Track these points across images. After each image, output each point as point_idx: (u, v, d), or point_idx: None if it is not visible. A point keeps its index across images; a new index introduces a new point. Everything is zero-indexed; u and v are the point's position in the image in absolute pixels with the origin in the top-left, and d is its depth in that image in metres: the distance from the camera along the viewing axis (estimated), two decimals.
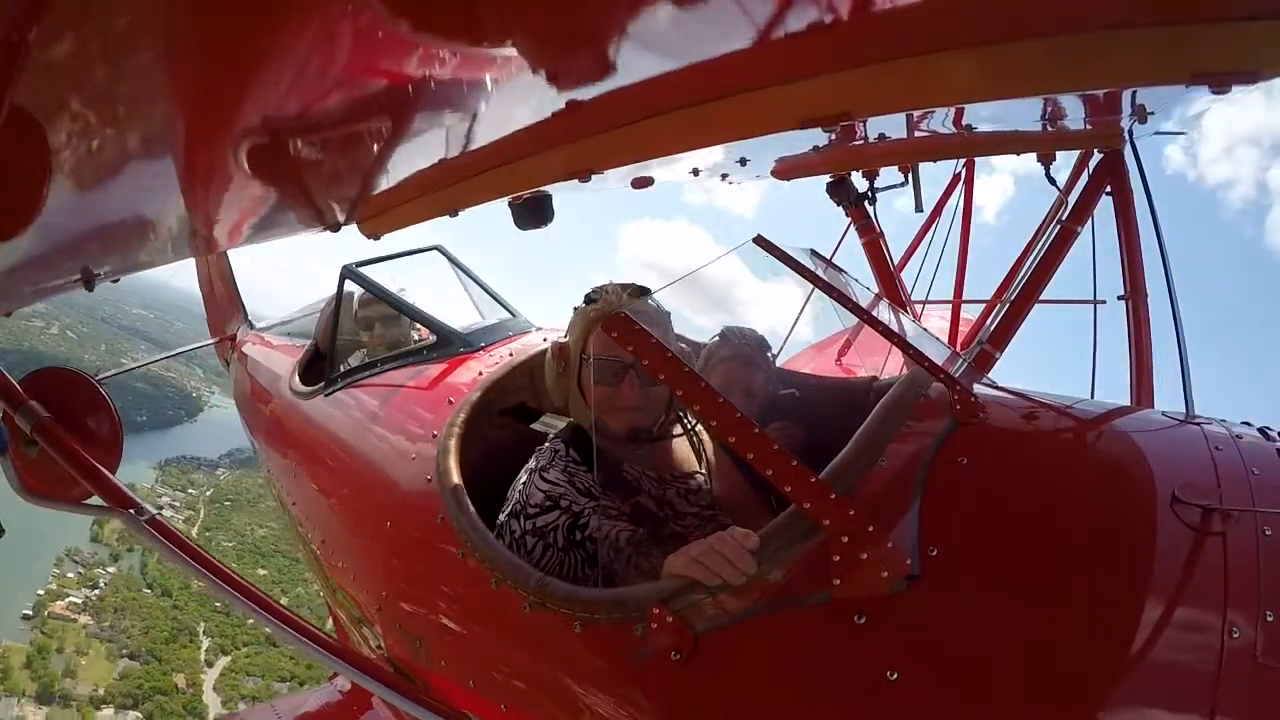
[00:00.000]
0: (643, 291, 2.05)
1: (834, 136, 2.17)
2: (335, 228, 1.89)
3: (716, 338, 2.41)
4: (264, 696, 36.66)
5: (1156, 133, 2.78)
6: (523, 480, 1.96)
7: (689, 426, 2.16)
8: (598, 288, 2.12)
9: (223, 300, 5.91)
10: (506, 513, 1.93)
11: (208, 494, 55.91)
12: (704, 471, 2.12)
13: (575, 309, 2.13)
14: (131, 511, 1.74)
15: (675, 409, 2.09)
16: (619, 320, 1.47)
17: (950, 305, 4.39)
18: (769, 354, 2.46)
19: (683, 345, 2.27)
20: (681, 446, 2.16)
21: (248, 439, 4.68)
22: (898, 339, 1.90)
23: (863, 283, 2.55)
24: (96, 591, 41.57)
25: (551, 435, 2.09)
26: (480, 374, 2.59)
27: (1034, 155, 2.84)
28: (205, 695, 37.15)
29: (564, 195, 2.61)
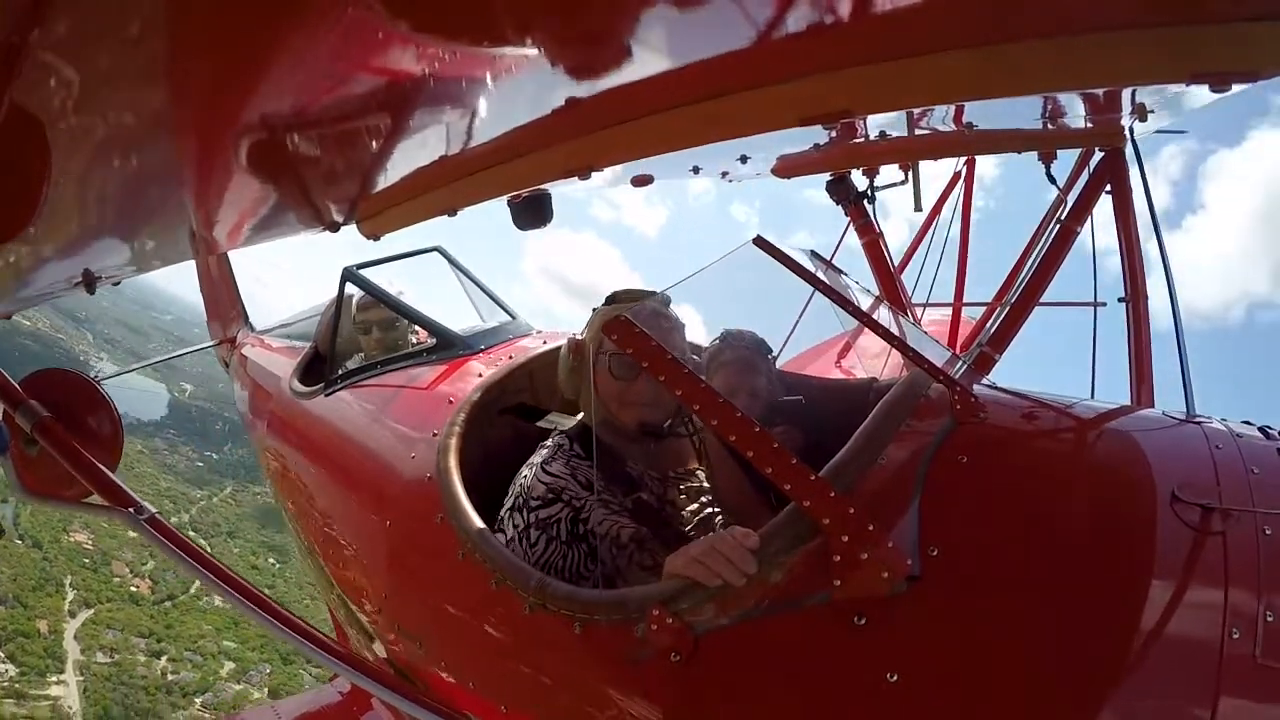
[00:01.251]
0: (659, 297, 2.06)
1: (834, 134, 2.17)
2: (335, 228, 1.89)
3: (717, 341, 2.42)
4: (122, 649, 39.39)
5: (1158, 131, 2.78)
6: (525, 474, 1.97)
7: (694, 430, 2.16)
8: (618, 291, 2.17)
9: (223, 302, 5.92)
10: (508, 506, 1.93)
11: None
12: (705, 469, 2.13)
13: (595, 309, 2.18)
14: (131, 510, 1.74)
15: (682, 410, 2.10)
16: (619, 323, 1.48)
17: (950, 307, 4.39)
18: (769, 356, 2.47)
19: (694, 358, 2.28)
20: (684, 447, 2.17)
21: (250, 439, 4.68)
22: (897, 341, 1.90)
23: (862, 284, 2.55)
24: None
25: (556, 431, 2.10)
26: (480, 375, 2.60)
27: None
28: (65, 642, 39.25)
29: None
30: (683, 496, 2.02)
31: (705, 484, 2.09)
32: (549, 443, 2.05)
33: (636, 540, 1.77)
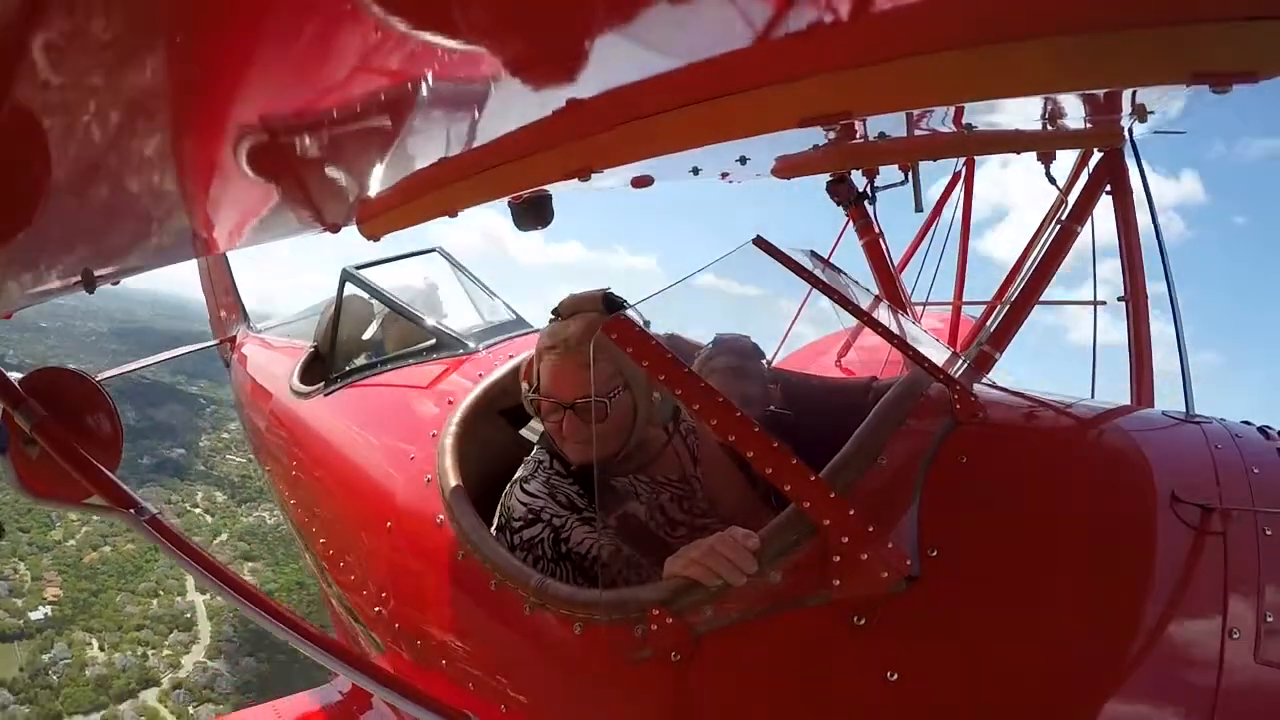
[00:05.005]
0: (612, 301, 1.98)
1: (834, 135, 2.17)
2: (335, 229, 1.89)
3: (710, 346, 2.40)
4: None
5: (1156, 132, 2.78)
6: (507, 491, 1.97)
7: (685, 433, 2.15)
8: (565, 300, 2.03)
9: (223, 301, 5.93)
10: (494, 525, 1.94)
11: None
12: (698, 476, 2.10)
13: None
14: (131, 511, 1.74)
15: (664, 419, 2.08)
16: (619, 323, 1.47)
17: (950, 306, 4.39)
18: (763, 361, 2.46)
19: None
20: (676, 455, 2.14)
21: (249, 437, 4.68)
22: (897, 340, 1.90)
23: (862, 284, 2.55)
24: None
25: (537, 445, 2.09)
26: (480, 375, 2.60)
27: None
28: None
29: None
30: (674, 504, 2.00)
31: (698, 491, 2.07)
32: (530, 458, 2.03)
33: (615, 558, 1.76)
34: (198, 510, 42.49)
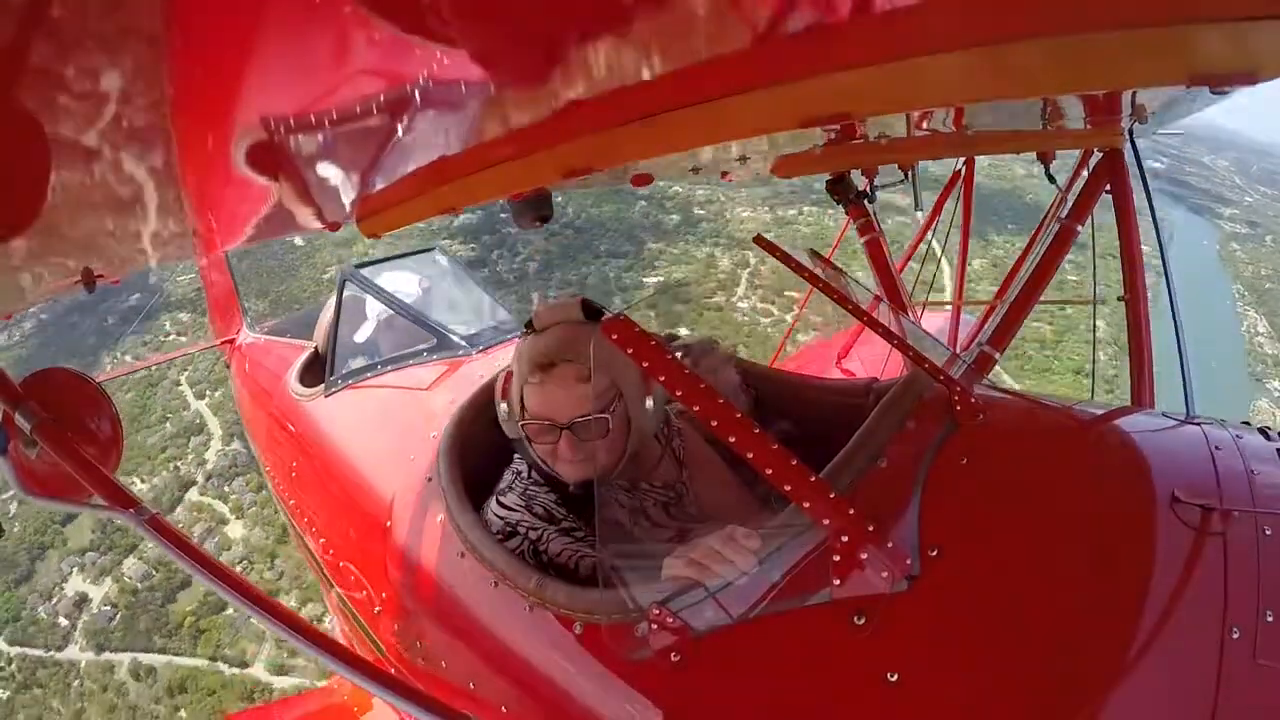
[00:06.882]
0: (591, 307, 1.93)
1: (834, 135, 2.17)
2: (334, 227, 1.89)
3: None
4: None
5: (1156, 132, 2.79)
6: (485, 506, 1.96)
7: (671, 438, 2.15)
8: (539, 310, 1.95)
9: (223, 301, 5.94)
10: None
11: None
12: (684, 481, 2.09)
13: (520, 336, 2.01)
14: (132, 511, 1.74)
15: (656, 428, 2.07)
16: (619, 322, 1.47)
17: (950, 306, 4.39)
18: (723, 353, 2.47)
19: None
20: (661, 462, 2.13)
21: (249, 438, 4.68)
22: (897, 340, 1.90)
23: (863, 284, 2.55)
24: None
25: (515, 455, 2.07)
26: (480, 376, 2.60)
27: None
28: None
29: None
30: (659, 510, 1.99)
31: (684, 495, 2.07)
32: (509, 470, 2.02)
33: (593, 568, 1.75)
34: (171, 336, 44.44)
